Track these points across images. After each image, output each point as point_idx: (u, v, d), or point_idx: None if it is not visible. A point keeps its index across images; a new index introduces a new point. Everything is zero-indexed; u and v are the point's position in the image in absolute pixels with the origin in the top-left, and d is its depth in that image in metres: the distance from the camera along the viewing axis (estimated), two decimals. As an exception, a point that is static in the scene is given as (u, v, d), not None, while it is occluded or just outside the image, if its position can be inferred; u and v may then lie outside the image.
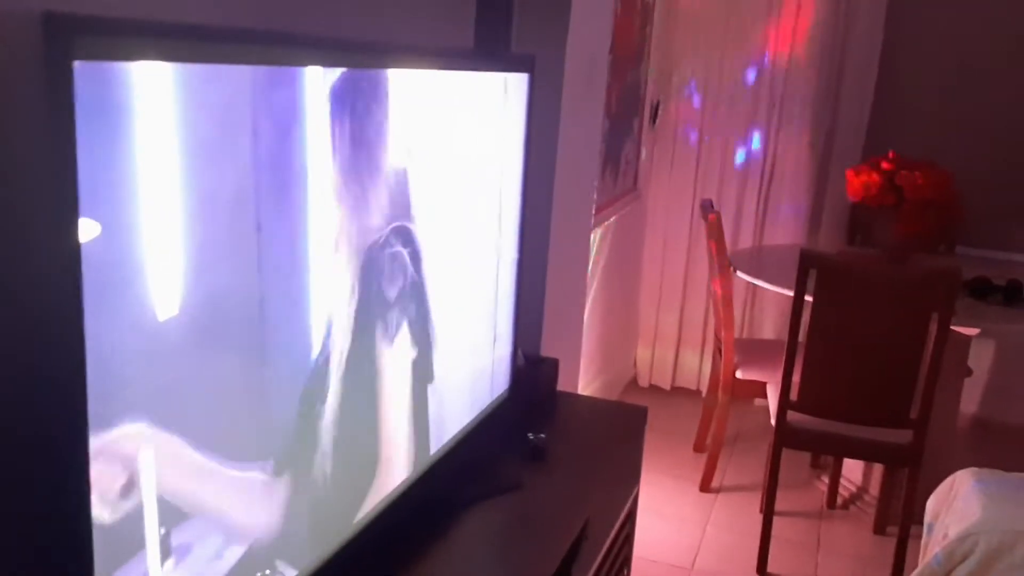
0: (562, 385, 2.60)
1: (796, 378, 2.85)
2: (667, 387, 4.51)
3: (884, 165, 3.13)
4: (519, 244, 2.03)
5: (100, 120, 0.84)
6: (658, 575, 2.94)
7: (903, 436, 2.81)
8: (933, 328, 2.68)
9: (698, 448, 3.81)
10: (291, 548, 1.29)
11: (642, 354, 4.53)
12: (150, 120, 0.90)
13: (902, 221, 3.16)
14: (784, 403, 2.87)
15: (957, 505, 2.13)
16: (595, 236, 3.48)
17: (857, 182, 3.17)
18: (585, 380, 3.64)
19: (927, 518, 2.31)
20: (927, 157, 3.46)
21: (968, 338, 3.33)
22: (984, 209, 3.96)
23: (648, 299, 4.48)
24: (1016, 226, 4.03)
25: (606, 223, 3.57)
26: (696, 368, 4.47)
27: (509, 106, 1.86)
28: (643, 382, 4.55)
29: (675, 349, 4.48)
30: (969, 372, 3.53)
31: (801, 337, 2.79)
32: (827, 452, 3.26)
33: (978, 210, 3.92)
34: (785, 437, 2.93)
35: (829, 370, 2.79)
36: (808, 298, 2.75)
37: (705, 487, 3.51)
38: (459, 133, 1.66)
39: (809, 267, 2.71)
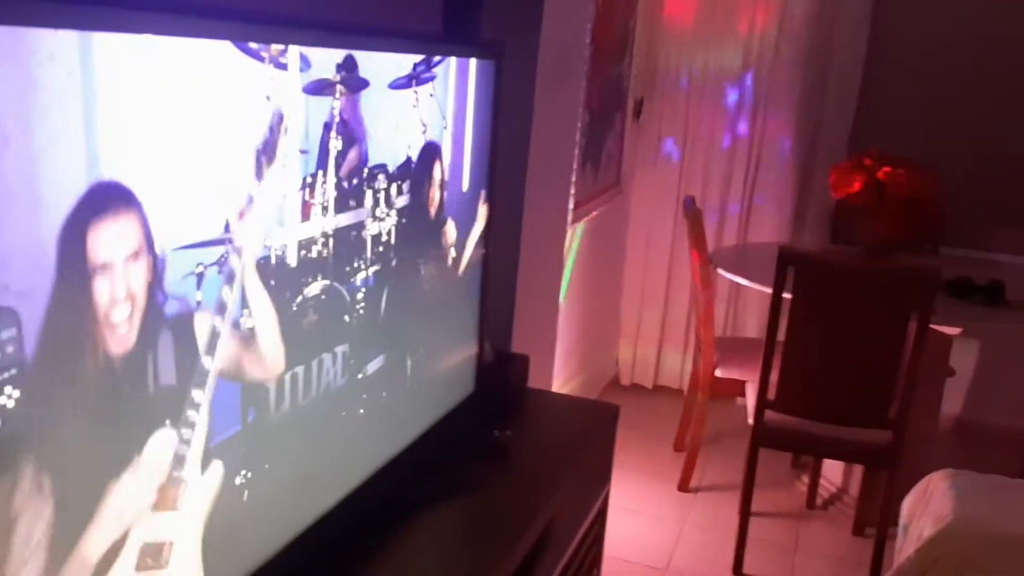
0: (535, 382, 2.56)
1: (774, 377, 2.80)
2: (649, 386, 4.46)
3: (866, 162, 3.08)
4: (484, 238, 1.98)
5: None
6: (633, 575, 2.89)
7: (882, 437, 2.76)
8: (913, 328, 2.64)
9: (678, 447, 3.76)
10: (237, 543, 1.24)
11: (624, 352, 4.48)
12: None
13: (884, 219, 3.12)
14: (762, 402, 2.83)
15: (932, 507, 2.09)
16: (575, 231, 3.43)
17: (839, 179, 3.13)
18: (564, 378, 3.59)
19: (902, 519, 2.27)
20: (912, 157, 3.42)
21: (950, 338, 3.28)
22: (969, 209, 3.92)
23: (630, 297, 4.43)
24: (1000, 227, 3.99)
25: (587, 218, 3.52)
26: (679, 367, 4.42)
27: (467, 92, 1.81)
28: (625, 380, 4.50)
29: (657, 348, 4.43)
30: (951, 372, 3.49)
31: (781, 336, 2.75)
32: (805, 452, 3.22)
33: (963, 210, 3.88)
34: (762, 437, 2.88)
35: (807, 369, 2.74)
36: (787, 296, 2.71)
37: (684, 487, 3.47)
38: (408, 120, 1.61)
39: (787, 264, 2.66)
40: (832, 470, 3.52)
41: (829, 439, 2.83)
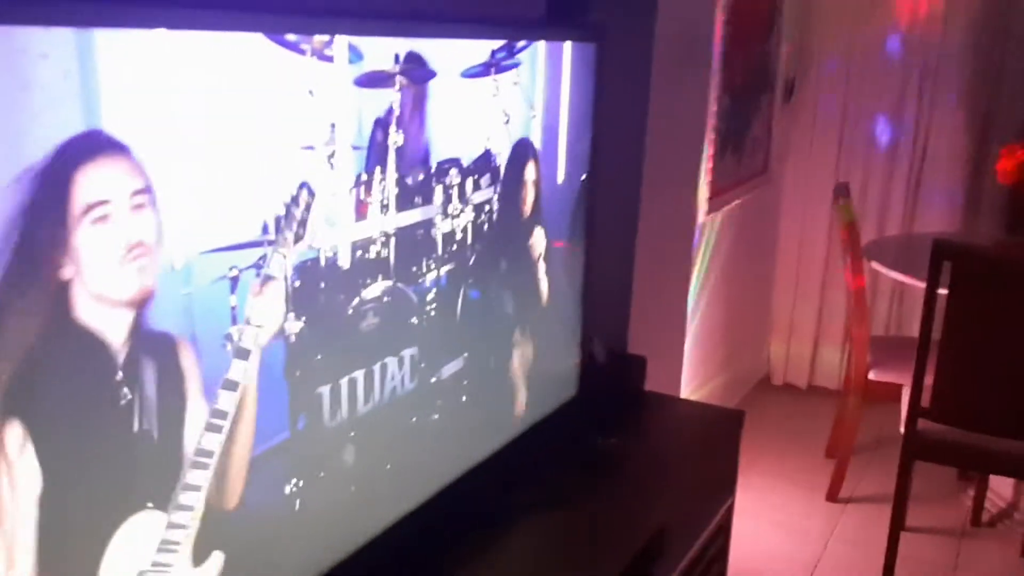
0: (659, 385, 2.41)
1: (929, 382, 2.54)
2: (803, 386, 4.20)
3: (1042, 143, 2.74)
4: (586, 231, 1.86)
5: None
6: (768, 592, 2.71)
7: (1056, 452, 2.45)
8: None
9: (830, 454, 3.51)
10: (288, 554, 1.20)
11: (776, 349, 4.23)
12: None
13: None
14: (914, 410, 2.57)
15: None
16: (714, 221, 3.24)
17: (1009, 163, 2.80)
18: (703, 377, 3.41)
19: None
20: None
21: None
22: None
23: (783, 290, 4.18)
24: None
25: (727, 208, 3.32)
26: (836, 366, 4.13)
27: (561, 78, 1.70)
28: (777, 380, 4.25)
29: (813, 345, 4.16)
30: None
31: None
32: (965, 466, 2.92)
33: None
34: (916, 448, 2.62)
35: (965, 375, 2.46)
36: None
37: (832, 497, 3.22)
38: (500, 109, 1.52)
39: (943, 259, 2.40)
40: (1002, 483, 3.17)
41: (994, 452, 2.54)
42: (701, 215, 3.00)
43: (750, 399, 4.03)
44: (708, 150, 2.93)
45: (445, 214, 1.43)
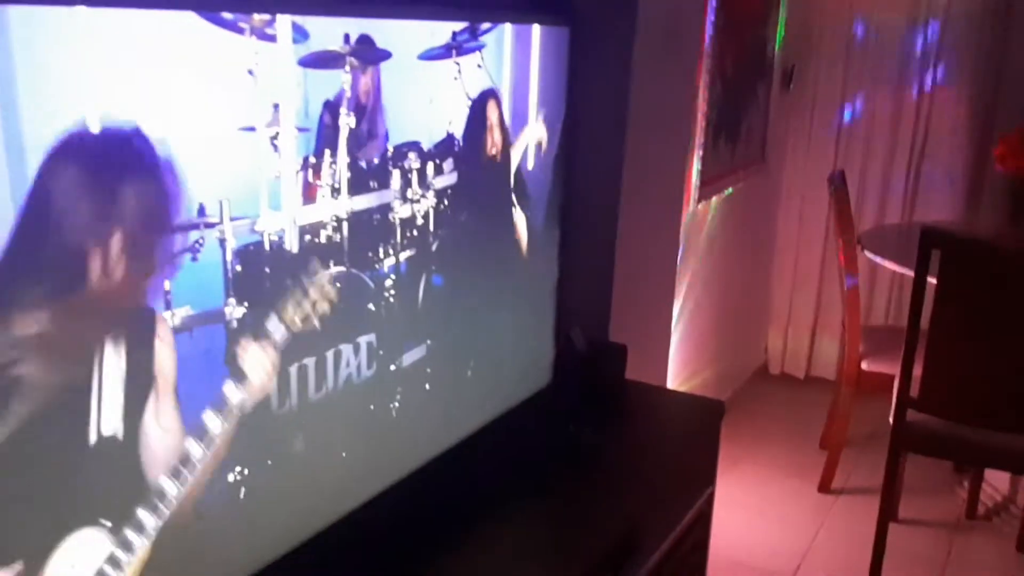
0: (644, 374, 2.39)
1: (919, 373, 2.50)
2: (801, 376, 4.16)
3: (1039, 130, 2.69)
4: (560, 219, 1.84)
5: None
6: (752, 583, 2.68)
7: (1047, 445, 2.41)
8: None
9: (824, 445, 3.47)
10: (233, 541, 1.18)
11: (774, 340, 4.20)
12: None
13: (1062, 195, 2.72)
14: (903, 401, 2.53)
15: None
16: (707, 210, 3.20)
17: (1007, 151, 2.75)
18: (697, 366, 3.38)
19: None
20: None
21: None
22: None
23: (781, 279, 4.14)
24: None
25: (721, 196, 3.28)
26: (834, 356, 4.08)
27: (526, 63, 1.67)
28: (774, 369, 4.21)
29: (811, 335, 4.12)
30: None
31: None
32: (955, 459, 2.89)
33: None
34: (904, 440, 2.58)
35: (954, 365, 2.43)
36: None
37: (824, 488, 3.19)
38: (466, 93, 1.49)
39: (931, 247, 2.36)
40: (998, 476, 3.13)
41: (983, 445, 2.50)
42: (692, 203, 2.96)
43: (747, 389, 3.99)
44: (698, 138, 2.89)
45: (404, 199, 1.40)
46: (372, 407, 1.42)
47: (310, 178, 1.22)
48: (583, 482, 1.77)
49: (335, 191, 1.27)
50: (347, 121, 1.27)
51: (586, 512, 1.69)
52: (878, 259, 2.97)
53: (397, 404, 1.47)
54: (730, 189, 3.36)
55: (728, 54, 3.10)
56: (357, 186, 1.30)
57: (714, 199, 3.22)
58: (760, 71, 3.51)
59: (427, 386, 1.54)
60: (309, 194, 1.23)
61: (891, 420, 2.60)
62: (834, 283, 4.01)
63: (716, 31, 2.89)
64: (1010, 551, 2.86)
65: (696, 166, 2.92)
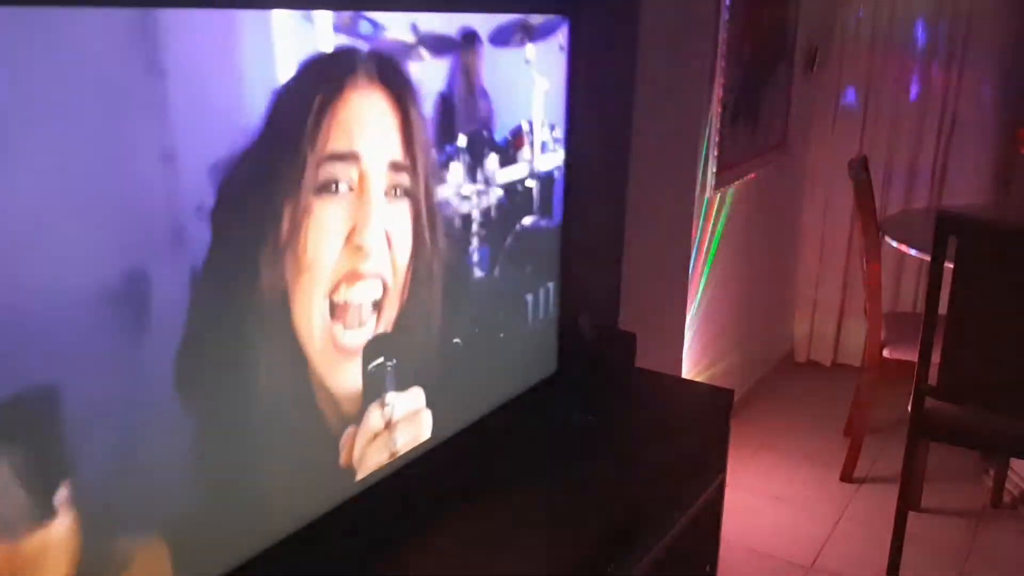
0: (657, 363, 2.38)
1: (937, 360, 2.47)
2: (827, 363, 4.12)
3: (1066, 111, 2.63)
4: (563, 206, 1.83)
5: None
6: (768, 571, 2.66)
7: (1071, 432, 2.37)
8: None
9: (848, 433, 3.43)
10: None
11: (800, 326, 4.15)
12: None
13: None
14: (921, 388, 2.50)
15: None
16: (726, 195, 3.17)
17: (1029, 132, 2.69)
18: (717, 354, 3.35)
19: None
20: None
21: None
22: None
23: (807, 265, 4.09)
24: None
25: (740, 182, 3.25)
26: (861, 344, 4.02)
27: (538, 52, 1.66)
28: (800, 357, 4.17)
29: (837, 322, 4.07)
30: None
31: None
32: (972, 446, 2.83)
33: None
34: (923, 428, 2.55)
35: (974, 351, 2.39)
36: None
37: (846, 476, 3.16)
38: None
39: (948, 232, 2.32)
40: (1023, 464, 3.08)
41: (1003, 433, 2.46)
42: (709, 189, 2.94)
43: (772, 376, 3.96)
44: (715, 123, 2.86)
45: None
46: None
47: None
48: (584, 469, 1.77)
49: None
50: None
51: (587, 499, 1.69)
52: (896, 244, 2.93)
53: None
54: (751, 174, 3.32)
55: (746, 36, 3.06)
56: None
57: (733, 185, 3.19)
58: (781, 52, 3.46)
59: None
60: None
61: (909, 407, 2.56)
62: (860, 270, 3.96)
63: (732, 12, 2.85)
64: (1035, 540, 2.82)
65: (712, 152, 2.89)
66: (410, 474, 1.52)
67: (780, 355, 4.12)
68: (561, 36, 1.72)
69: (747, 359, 3.67)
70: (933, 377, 2.47)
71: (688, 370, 2.99)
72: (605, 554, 1.62)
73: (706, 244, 3.06)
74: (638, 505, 1.74)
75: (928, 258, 2.59)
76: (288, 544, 1.29)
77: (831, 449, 3.34)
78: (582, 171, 1.87)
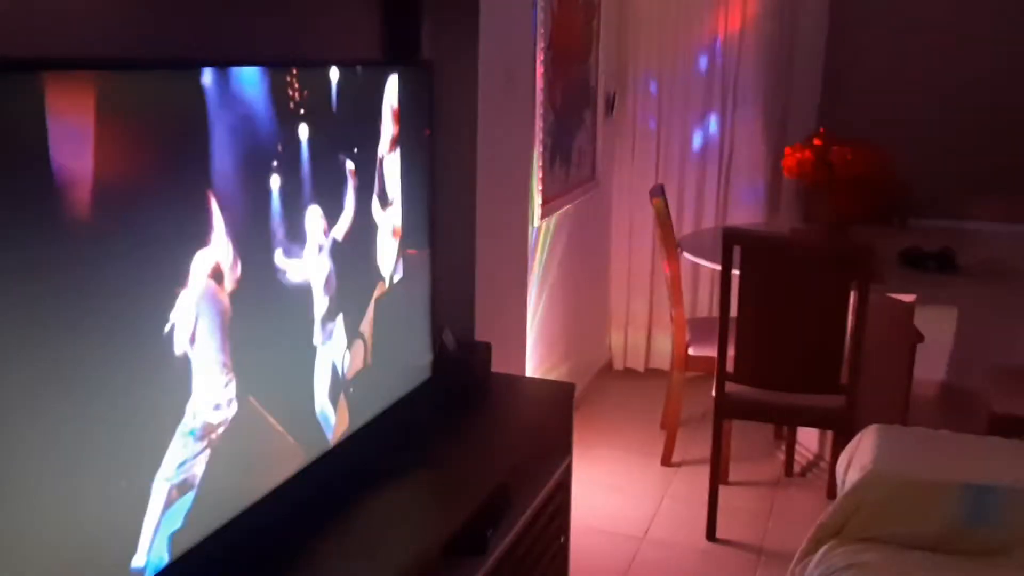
0: (506, 368, 2.76)
1: (733, 352, 2.99)
2: (641, 369, 4.65)
3: (816, 142, 3.25)
4: (430, 238, 2.19)
5: None
6: (610, 544, 3.09)
7: (835, 401, 2.93)
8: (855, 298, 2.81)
9: (664, 426, 3.94)
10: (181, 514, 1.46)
11: (615, 338, 4.67)
12: None
13: (838, 196, 3.29)
14: (721, 375, 3.02)
15: (856, 459, 2.26)
16: (549, 225, 3.63)
17: (791, 160, 3.30)
18: (550, 364, 3.79)
19: (839, 474, 2.44)
20: (879, 134, 3.60)
21: (911, 305, 3.44)
22: (939, 181, 4.08)
23: (618, 284, 4.62)
24: (967, 196, 4.13)
25: (560, 212, 3.71)
26: (668, 350, 4.57)
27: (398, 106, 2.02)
28: (618, 365, 4.69)
29: (647, 332, 4.61)
30: (920, 338, 3.64)
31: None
32: (765, 420, 3.39)
33: (932, 182, 4.05)
34: (725, 408, 3.07)
35: (759, 341, 2.93)
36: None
37: (666, 462, 3.66)
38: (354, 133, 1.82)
39: (732, 244, 2.85)
40: (809, 438, 3.69)
41: (786, 406, 3.01)
42: (536, 219, 3.37)
43: (595, 383, 4.44)
44: (537, 162, 3.31)
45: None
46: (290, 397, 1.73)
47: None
48: (460, 457, 2.12)
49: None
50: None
51: (465, 479, 2.03)
52: (695, 259, 3.47)
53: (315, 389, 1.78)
54: (568, 205, 3.80)
55: (557, 87, 3.54)
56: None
57: (555, 215, 3.65)
58: (586, 101, 3.98)
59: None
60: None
61: (713, 393, 3.07)
62: (664, 284, 4.53)
63: (546, 69, 3.32)
64: (822, 499, 3.39)
65: (537, 187, 3.34)
66: (312, 471, 1.82)
67: (601, 364, 4.62)
68: (420, 88, 2.09)
69: (574, 368, 4.13)
70: (729, 366, 3.00)
71: (529, 375, 3.40)
72: (485, 524, 1.96)
73: (537, 267, 3.50)
74: (507, 484, 2.09)
75: (719, 267, 3.13)
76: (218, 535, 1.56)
77: (651, 441, 3.84)
78: (444, 208, 2.23)
